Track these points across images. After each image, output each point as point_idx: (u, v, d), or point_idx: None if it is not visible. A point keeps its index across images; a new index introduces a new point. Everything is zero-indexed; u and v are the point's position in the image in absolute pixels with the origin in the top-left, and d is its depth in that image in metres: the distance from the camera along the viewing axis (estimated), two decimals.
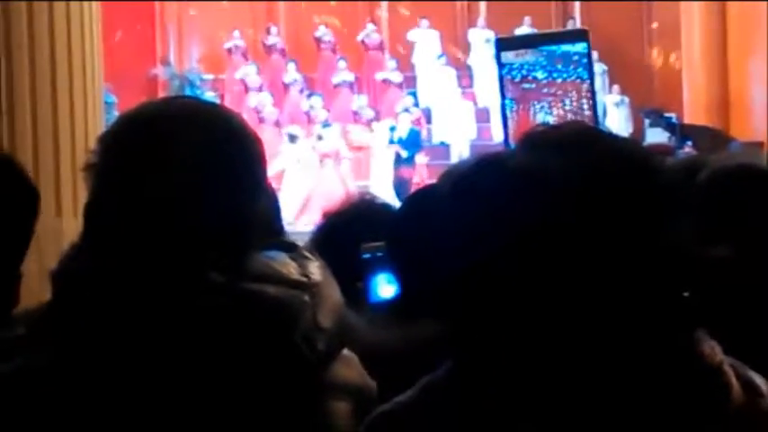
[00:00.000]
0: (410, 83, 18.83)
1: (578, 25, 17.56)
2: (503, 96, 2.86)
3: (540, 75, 2.84)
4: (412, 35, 19.10)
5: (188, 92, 16.79)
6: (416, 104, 18.09)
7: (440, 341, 1.40)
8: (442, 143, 18.05)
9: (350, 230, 2.53)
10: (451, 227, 1.37)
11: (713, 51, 16.58)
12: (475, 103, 18.55)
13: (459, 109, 18.15)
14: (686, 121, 16.90)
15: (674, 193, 1.36)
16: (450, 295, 1.36)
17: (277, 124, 17.45)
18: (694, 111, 16.94)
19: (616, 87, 18.36)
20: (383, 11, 19.69)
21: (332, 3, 19.18)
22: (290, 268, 1.62)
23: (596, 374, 1.30)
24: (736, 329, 1.71)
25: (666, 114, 17.19)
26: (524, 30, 16.23)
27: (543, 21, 17.92)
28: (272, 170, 12.16)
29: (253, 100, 17.81)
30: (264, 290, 1.57)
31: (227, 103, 15.47)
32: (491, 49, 14.03)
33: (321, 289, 1.63)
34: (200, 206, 1.57)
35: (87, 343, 1.55)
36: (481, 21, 19.13)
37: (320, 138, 16.49)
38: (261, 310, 1.56)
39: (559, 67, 2.84)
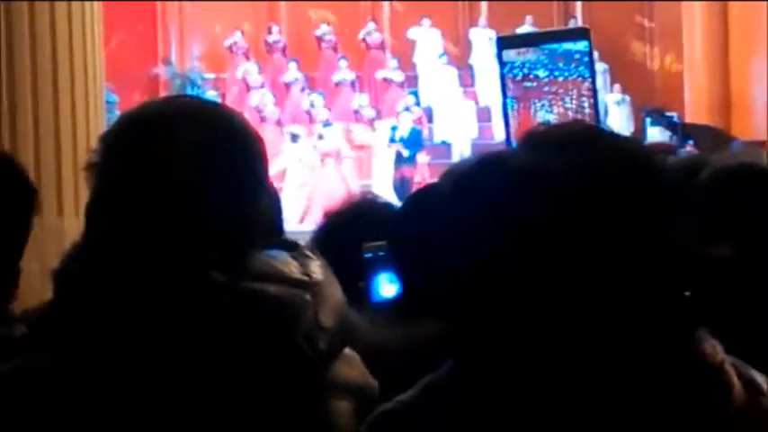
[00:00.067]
0: (411, 82, 18.82)
1: (580, 24, 17.54)
2: (504, 95, 2.85)
3: (541, 73, 2.83)
4: (413, 34, 19.08)
5: (189, 91, 16.80)
6: (418, 103, 18.06)
7: (441, 340, 1.40)
8: (444, 142, 18.04)
9: (351, 230, 2.53)
10: (453, 226, 1.37)
11: (714, 51, 16.59)
12: (476, 102, 18.54)
13: (461, 108, 18.14)
14: (687, 120, 16.90)
15: (676, 192, 1.36)
16: (452, 294, 1.36)
17: (278, 123, 17.45)
18: (696, 110, 16.95)
19: (617, 86, 18.35)
20: (384, 10, 19.68)
21: (333, 2, 19.16)
22: (291, 267, 1.62)
23: (597, 374, 1.30)
24: (737, 328, 1.71)
25: (668, 113, 17.18)
26: (526, 29, 16.21)
27: (545, 20, 17.88)
28: (273, 169, 12.13)
29: (254, 99, 17.81)
30: (266, 289, 1.57)
31: (229, 103, 15.48)
32: (492, 48, 14.02)
33: (322, 288, 1.63)
34: (201, 205, 1.57)
35: (89, 343, 1.55)
36: (482, 20, 19.11)
37: (321, 137, 16.48)
38: (262, 310, 1.56)
39: (561, 65, 2.84)
